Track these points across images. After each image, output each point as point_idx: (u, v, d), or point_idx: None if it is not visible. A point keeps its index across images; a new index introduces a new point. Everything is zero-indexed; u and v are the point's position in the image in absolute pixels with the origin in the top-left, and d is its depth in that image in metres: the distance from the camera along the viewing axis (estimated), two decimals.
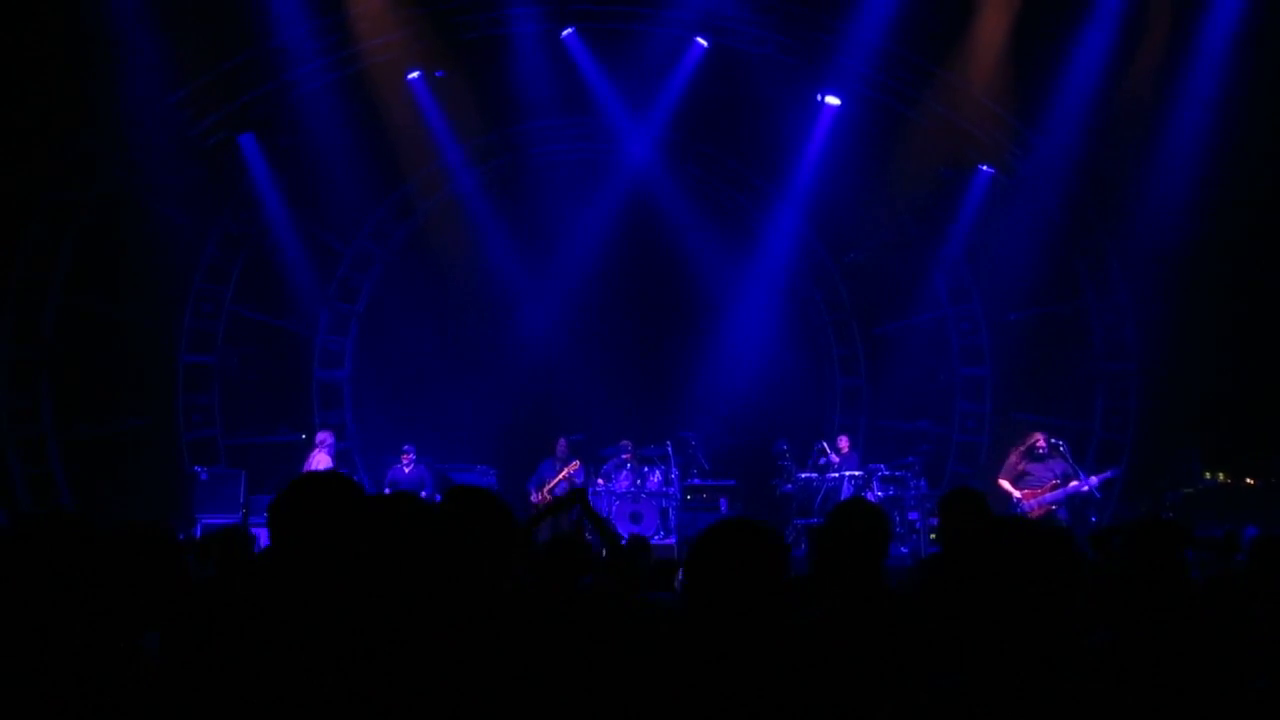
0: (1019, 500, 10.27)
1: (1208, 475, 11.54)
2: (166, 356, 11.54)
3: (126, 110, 9.83)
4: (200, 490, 10.42)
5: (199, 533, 10.15)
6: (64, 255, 10.43)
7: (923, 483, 11.43)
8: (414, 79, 11.32)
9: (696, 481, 11.35)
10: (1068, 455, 10.33)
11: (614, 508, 11.06)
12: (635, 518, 11.01)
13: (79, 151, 10.03)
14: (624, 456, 11.40)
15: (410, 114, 11.58)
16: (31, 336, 10.37)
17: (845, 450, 11.76)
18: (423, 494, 10.93)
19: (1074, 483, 10.12)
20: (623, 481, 11.29)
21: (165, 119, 10.22)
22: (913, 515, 11.09)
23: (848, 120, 12.02)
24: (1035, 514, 10.15)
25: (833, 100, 11.87)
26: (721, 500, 11.19)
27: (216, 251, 11.78)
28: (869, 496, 11.34)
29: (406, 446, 11.05)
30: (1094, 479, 10.09)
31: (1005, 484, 10.44)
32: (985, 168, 12.23)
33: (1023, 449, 10.18)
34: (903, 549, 10.98)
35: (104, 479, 10.53)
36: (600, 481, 11.26)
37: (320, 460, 10.20)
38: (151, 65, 9.68)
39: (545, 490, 10.79)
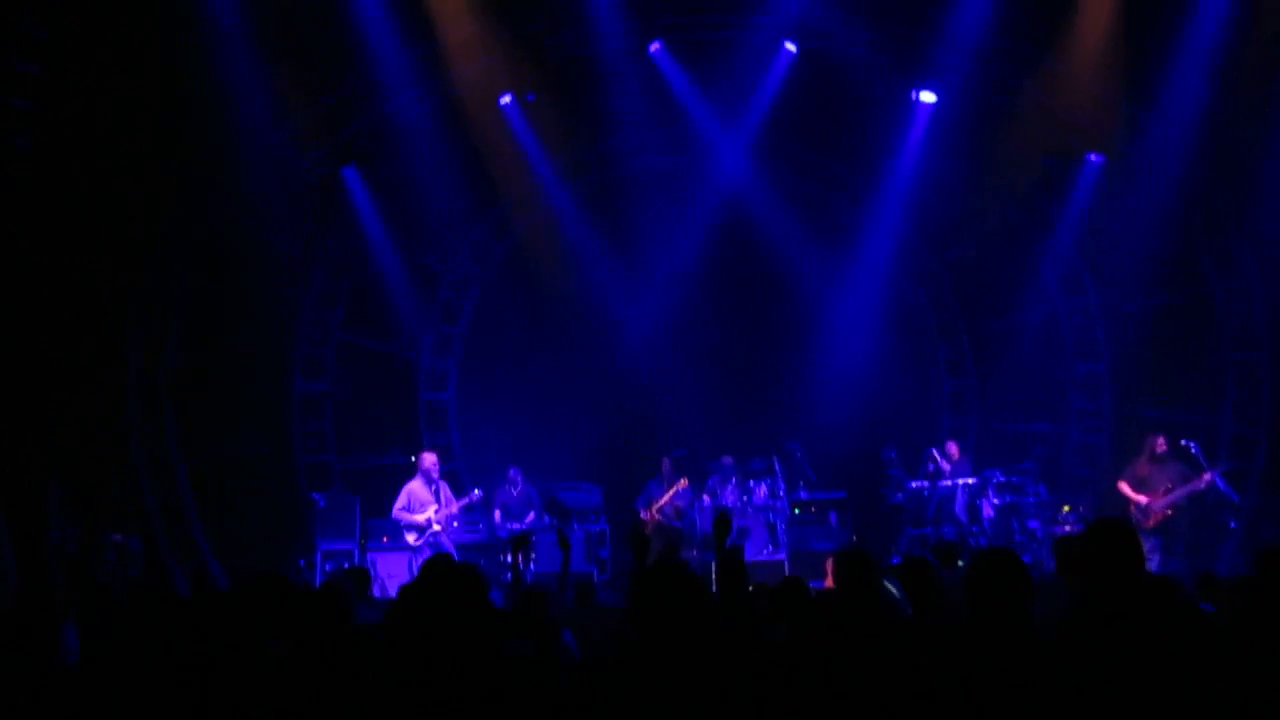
0: (1135, 506, 10.03)
1: None
2: (281, 383, 11.93)
3: (237, 149, 10.19)
4: (319, 517, 10.74)
5: (319, 559, 10.48)
6: (184, 288, 10.87)
7: (1042, 488, 11.02)
8: (506, 104, 11.44)
9: (804, 495, 11.16)
10: (1199, 457, 9.92)
11: None
12: (742, 533, 10.88)
13: (195, 189, 10.44)
14: (728, 471, 11.29)
15: (503, 135, 11.72)
16: (158, 367, 10.83)
17: (956, 457, 11.42)
18: (530, 515, 11.04)
19: (1193, 483, 9.80)
20: (728, 496, 11.18)
21: (273, 155, 10.57)
22: (1033, 524, 10.68)
23: (946, 114, 11.64)
24: (1153, 520, 9.89)
25: (928, 97, 11.51)
26: (831, 514, 10.97)
27: (324, 279, 12.14)
28: (985, 505, 11.00)
29: (513, 470, 11.17)
30: (1207, 475, 9.71)
31: (1125, 488, 10.24)
32: (1094, 156, 11.69)
33: (1145, 454, 9.96)
34: (1025, 558, 10.57)
35: (229, 504, 10.96)
36: (706, 497, 11.18)
37: (414, 486, 10.32)
38: (258, 105, 10.02)
39: (654, 509, 10.77)
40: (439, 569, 3.43)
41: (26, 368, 8.90)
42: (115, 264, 10.03)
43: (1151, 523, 9.99)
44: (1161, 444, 10.16)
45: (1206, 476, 9.78)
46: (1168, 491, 9.91)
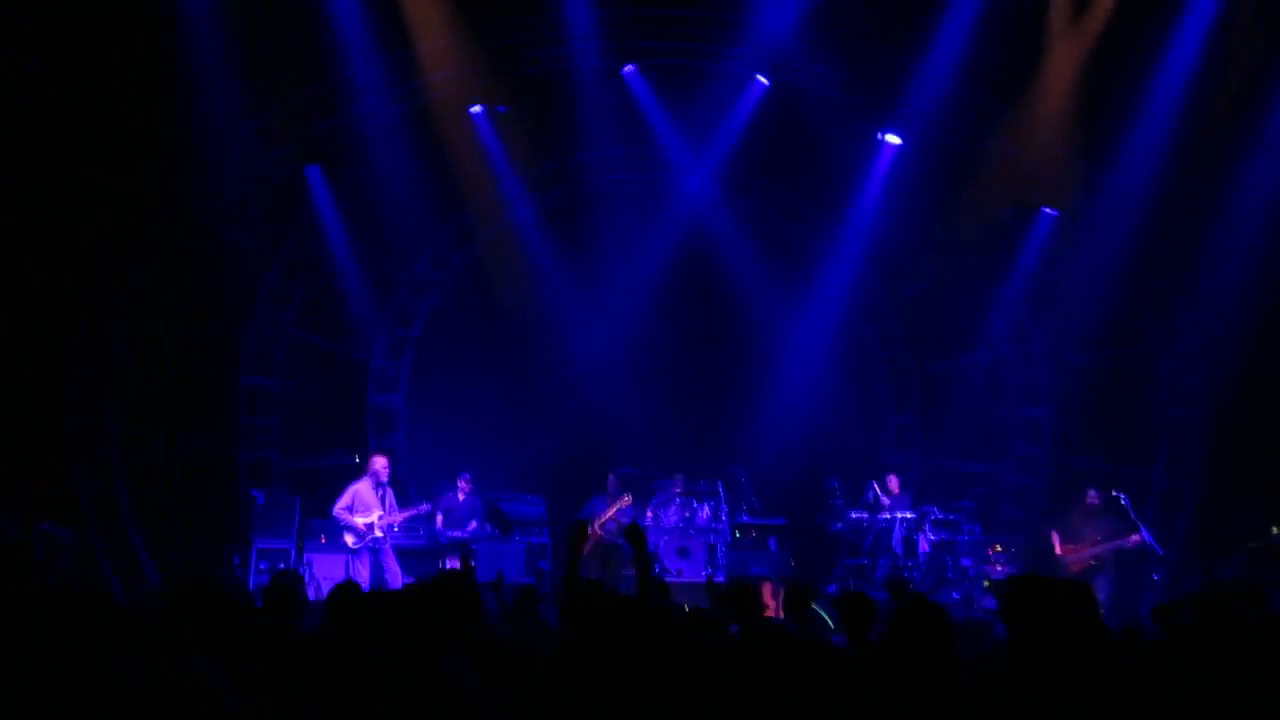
0: (1059, 556, 10.44)
1: (1275, 530, 11.19)
2: (228, 379, 11.76)
3: (200, 141, 10.06)
4: (256, 514, 10.59)
5: (254, 555, 10.34)
6: (135, 278, 10.72)
7: (977, 527, 11.27)
8: (476, 113, 11.45)
9: (746, 519, 11.25)
10: (1128, 508, 10.30)
11: (661, 543, 11.04)
12: (683, 553, 10.98)
13: (154, 179, 10.29)
14: (675, 490, 11.37)
15: (471, 146, 11.71)
16: (102, 357, 10.65)
17: (896, 490, 11.63)
18: (472, 523, 11.03)
19: (1120, 540, 10.24)
20: (671, 517, 11.26)
21: (237, 150, 10.46)
22: (965, 561, 10.92)
23: (909, 158, 11.92)
24: (1073, 569, 10.30)
25: (893, 139, 11.77)
26: (770, 539, 11.07)
27: (280, 277, 12.01)
28: (921, 540, 11.21)
29: (464, 475, 11.14)
30: (1135, 537, 10.17)
31: (1054, 537, 10.78)
32: (1048, 210, 12.03)
33: (1078, 507, 10.39)
34: (954, 594, 10.82)
35: (166, 497, 10.78)
36: (650, 515, 11.24)
37: (360, 488, 10.29)
38: (225, 98, 9.92)
39: (596, 525, 10.80)
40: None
41: None
42: (65, 252, 9.85)
43: (1073, 569, 10.38)
44: (1094, 497, 10.59)
45: (1135, 538, 10.17)
46: (1095, 544, 10.29)
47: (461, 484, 11.18)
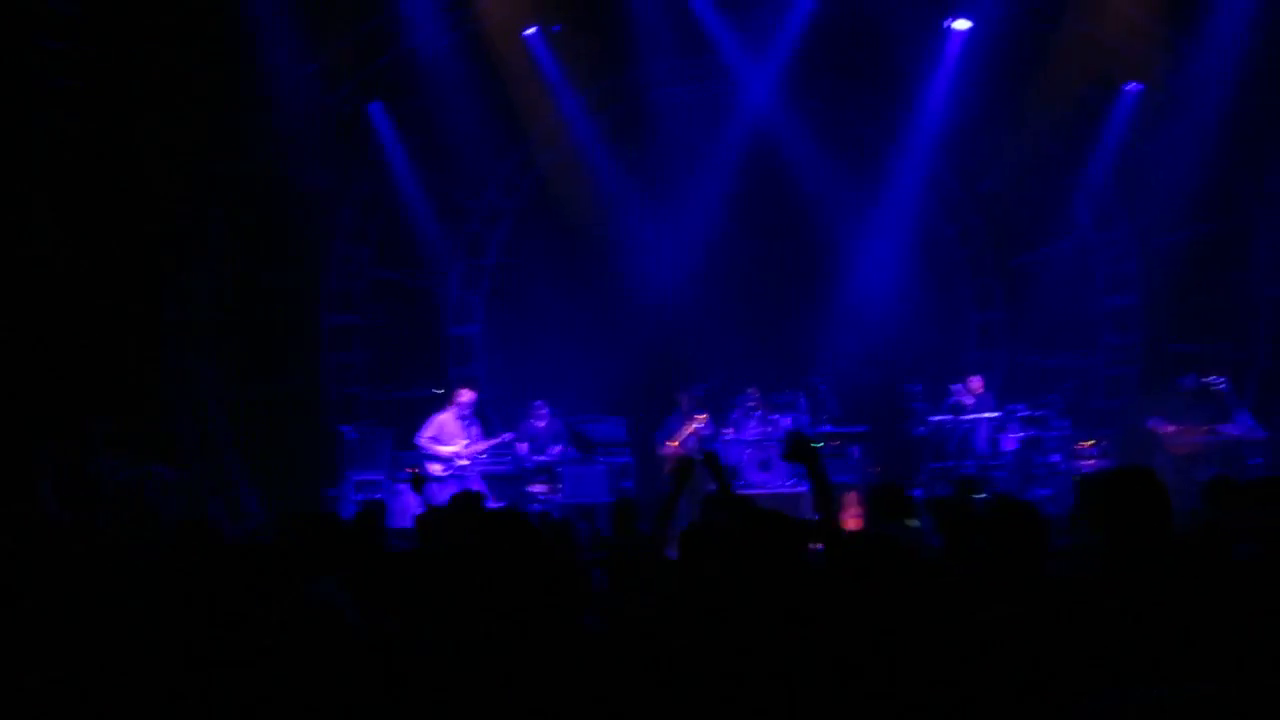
0: (1168, 435, 10.13)
1: None
2: (312, 318, 12.13)
3: (267, 87, 10.25)
4: (349, 448, 11.00)
5: (349, 489, 10.76)
6: (215, 225, 11.06)
7: (1066, 422, 11.01)
8: (530, 35, 11.34)
9: (828, 429, 11.20)
10: (1227, 393, 9.95)
11: (744, 456, 11.09)
12: (764, 466, 11.01)
13: (225, 128, 10.54)
14: (751, 404, 11.37)
15: (528, 68, 11.63)
16: (191, 304, 11.08)
17: (979, 391, 11.41)
18: (556, 447, 11.25)
19: (1221, 426, 9.91)
20: (751, 429, 11.27)
21: (302, 92, 10.63)
22: (1054, 458, 10.73)
23: (980, 43, 11.38)
24: (1177, 452, 10.06)
25: (961, 24, 11.24)
26: (853, 448, 11.04)
27: (354, 215, 12.25)
28: (1006, 439, 11.03)
29: (538, 402, 11.34)
30: (1235, 429, 9.82)
31: (1154, 423, 10.40)
32: (1132, 85, 11.39)
33: (1175, 393, 10.08)
34: (1044, 490, 10.66)
35: (261, 435, 11.27)
36: (729, 430, 11.29)
37: (445, 419, 10.58)
38: (286, 40, 10.06)
39: (675, 442, 10.92)
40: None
41: (67, 309, 9.16)
42: (150, 202, 10.22)
43: (1177, 452, 10.14)
44: (1190, 382, 10.22)
45: (1235, 430, 9.85)
46: (1201, 432, 10.03)
47: (539, 411, 11.37)
